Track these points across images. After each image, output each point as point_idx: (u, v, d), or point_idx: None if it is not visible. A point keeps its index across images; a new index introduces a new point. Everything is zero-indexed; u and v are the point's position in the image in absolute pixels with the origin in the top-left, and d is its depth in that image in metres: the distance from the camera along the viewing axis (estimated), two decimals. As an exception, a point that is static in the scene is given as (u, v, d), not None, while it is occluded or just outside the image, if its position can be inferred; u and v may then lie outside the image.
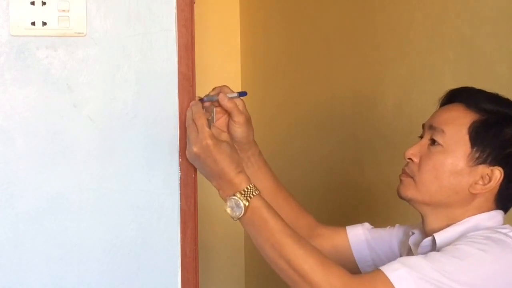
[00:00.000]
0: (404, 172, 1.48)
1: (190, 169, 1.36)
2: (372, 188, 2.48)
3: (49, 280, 1.31)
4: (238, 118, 1.43)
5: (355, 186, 2.58)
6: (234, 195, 1.33)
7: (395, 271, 1.29)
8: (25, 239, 1.30)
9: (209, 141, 1.32)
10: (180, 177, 1.35)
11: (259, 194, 1.34)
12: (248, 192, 1.33)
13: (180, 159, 1.35)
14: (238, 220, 1.35)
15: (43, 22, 1.28)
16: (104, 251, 1.32)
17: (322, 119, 2.81)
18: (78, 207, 1.31)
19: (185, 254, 1.35)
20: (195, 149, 1.32)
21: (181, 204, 1.35)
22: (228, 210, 1.34)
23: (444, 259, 1.29)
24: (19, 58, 1.29)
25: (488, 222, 1.41)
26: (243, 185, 1.34)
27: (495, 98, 1.46)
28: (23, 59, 1.29)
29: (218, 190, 1.36)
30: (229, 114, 1.44)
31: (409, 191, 1.46)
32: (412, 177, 1.46)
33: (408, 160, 1.47)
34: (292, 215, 1.57)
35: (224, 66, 3.36)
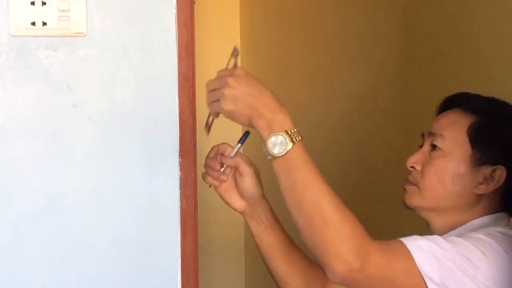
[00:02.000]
0: (407, 181, 1.47)
1: (190, 169, 1.36)
2: (372, 187, 2.48)
3: (49, 280, 1.31)
4: (246, 170, 1.43)
5: (355, 186, 2.58)
6: (280, 133, 1.27)
7: (414, 241, 1.29)
8: (25, 239, 1.30)
9: (242, 71, 1.32)
10: (180, 177, 1.35)
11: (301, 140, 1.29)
12: (294, 134, 1.28)
13: (180, 159, 1.35)
14: (273, 159, 1.28)
15: (43, 22, 1.28)
16: (104, 251, 1.32)
17: (322, 119, 2.81)
18: (78, 207, 1.31)
19: (185, 254, 1.35)
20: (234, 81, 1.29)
21: (181, 204, 1.35)
22: (270, 145, 1.27)
23: (463, 242, 1.30)
24: (19, 58, 1.29)
25: (494, 225, 1.40)
26: (289, 124, 1.29)
27: (491, 101, 1.46)
28: (23, 59, 1.29)
29: (259, 121, 1.28)
30: (236, 169, 1.43)
31: (414, 199, 1.45)
32: (416, 185, 1.45)
33: (410, 169, 1.46)
34: (304, 271, 1.55)
35: (224, 66, 3.35)
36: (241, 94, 1.29)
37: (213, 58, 3.27)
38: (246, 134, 1.43)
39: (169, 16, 1.33)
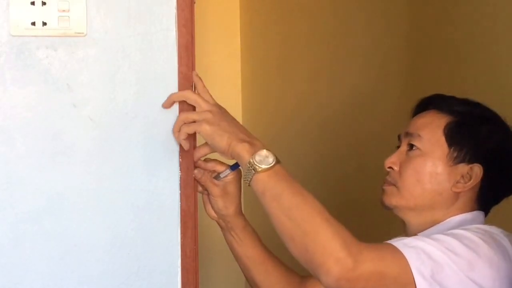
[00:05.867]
0: (386, 181, 1.51)
1: (190, 169, 1.36)
2: (372, 188, 2.47)
3: (49, 280, 1.31)
4: (213, 192, 1.45)
5: (356, 186, 2.58)
6: (264, 150, 1.32)
7: (401, 240, 1.32)
8: (25, 239, 1.30)
9: (224, 108, 1.35)
10: (180, 177, 1.35)
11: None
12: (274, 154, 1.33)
13: (180, 159, 1.35)
14: (258, 174, 1.31)
15: (43, 22, 1.28)
16: (104, 251, 1.32)
17: (322, 119, 2.80)
18: (78, 207, 1.31)
19: (185, 254, 1.35)
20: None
21: (181, 204, 1.35)
22: (258, 159, 1.30)
23: (446, 238, 1.32)
24: (19, 58, 1.29)
25: (471, 222, 1.43)
26: (266, 147, 1.33)
27: (466, 101, 1.49)
28: (23, 59, 1.29)
29: (239, 143, 1.32)
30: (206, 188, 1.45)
31: (393, 199, 1.48)
32: (394, 185, 1.48)
33: (388, 169, 1.50)
34: (282, 280, 1.57)
35: (224, 66, 3.36)
36: (224, 120, 1.34)
37: (213, 58, 3.29)
38: (236, 166, 1.42)
39: (169, 16, 1.33)
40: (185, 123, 1.32)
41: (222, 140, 1.33)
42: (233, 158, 1.35)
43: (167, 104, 1.33)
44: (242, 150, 1.32)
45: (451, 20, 2.15)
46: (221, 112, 1.35)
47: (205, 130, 1.33)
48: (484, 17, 2.00)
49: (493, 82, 1.94)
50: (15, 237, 1.29)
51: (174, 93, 1.33)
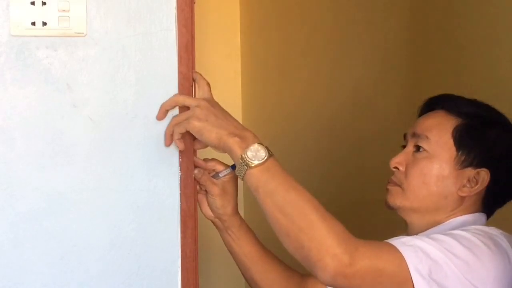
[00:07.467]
0: (390, 181, 1.49)
1: (190, 169, 1.36)
2: (373, 188, 2.47)
3: (49, 280, 1.31)
4: (212, 191, 1.45)
5: (356, 187, 2.58)
6: (256, 144, 1.31)
7: (398, 239, 1.32)
8: (25, 239, 1.29)
9: (214, 100, 1.33)
10: (180, 177, 1.35)
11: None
12: (266, 147, 1.32)
13: (180, 159, 1.35)
14: (251, 169, 1.30)
15: (43, 22, 1.28)
16: (104, 251, 1.32)
17: (322, 118, 2.81)
18: (78, 207, 1.31)
19: (185, 254, 1.35)
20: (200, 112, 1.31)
21: (181, 204, 1.35)
22: (250, 154, 1.30)
23: (445, 238, 1.32)
24: (19, 58, 1.29)
25: (472, 223, 1.42)
26: (259, 140, 1.32)
27: (474, 103, 1.48)
28: (23, 59, 1.29)
29: (230, 138, 1.31)
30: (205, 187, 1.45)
31: (398, 199, 1.47)
32: (399, 185, 1.47)
33: (394, 169, 1.49)
34: (281, 278, 1.57)
35: (224, 66, 3.36)
36: (213, 114, 1.32)
37: (213, 58, 3.29)
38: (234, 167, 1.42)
39: (169, 16, 1.33)
40: (176, 124, 1.32)
41: (210, 135, 1.32)
42: (225, 152, 1.34)
43: (161, 115, 1.32)
44: (234, 144, 1.31)
45: (452, 19, 2.15)
46: (210, 105, 1.33)
47: (193, 127, 1.31)
48: (485, 16, 2.00)
49: (494, 82, 1.94)
50: (15, 237, 1.29)
51: (164, 102, 1.33)
